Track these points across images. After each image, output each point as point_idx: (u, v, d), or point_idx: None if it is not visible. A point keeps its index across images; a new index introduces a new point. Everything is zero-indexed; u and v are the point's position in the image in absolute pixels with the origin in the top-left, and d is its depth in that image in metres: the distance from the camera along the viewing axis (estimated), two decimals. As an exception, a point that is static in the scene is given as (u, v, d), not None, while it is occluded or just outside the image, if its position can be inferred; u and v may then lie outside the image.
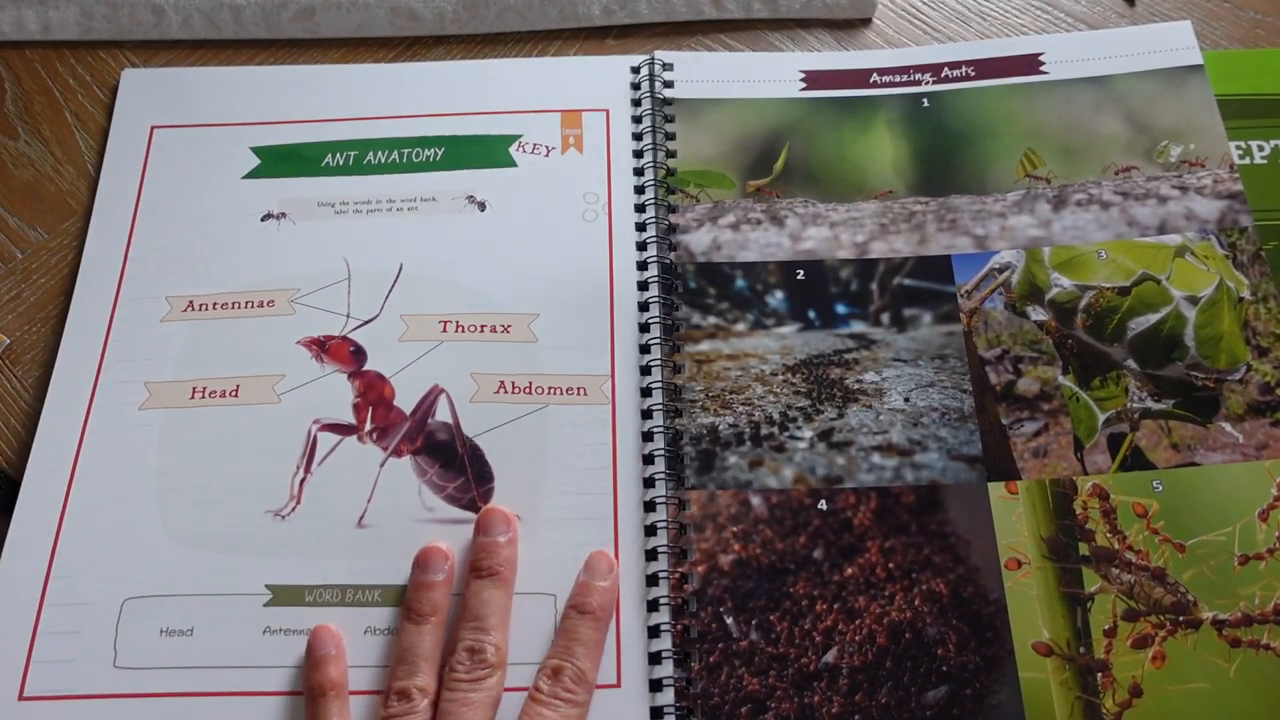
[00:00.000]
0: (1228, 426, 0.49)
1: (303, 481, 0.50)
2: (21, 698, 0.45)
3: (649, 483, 0.49)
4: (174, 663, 0.46)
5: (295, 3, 0.62)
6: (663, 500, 0.48)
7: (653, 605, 0.46)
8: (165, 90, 0.60)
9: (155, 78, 0.61)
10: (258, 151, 0.58)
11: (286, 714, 0.45)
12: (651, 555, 0.47)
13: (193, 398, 0.51)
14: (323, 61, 0.61)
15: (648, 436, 0.50)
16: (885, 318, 0.53)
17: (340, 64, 0.61)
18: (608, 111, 0.59)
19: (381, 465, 0.50)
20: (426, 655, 0.43)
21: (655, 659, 0.45)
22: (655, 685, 0.45)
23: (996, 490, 0.48)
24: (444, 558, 0.46)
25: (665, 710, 0.44)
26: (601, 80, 0.60)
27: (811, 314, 0.53)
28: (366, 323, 0.53)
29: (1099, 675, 0.45)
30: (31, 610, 0.47)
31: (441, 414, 0.51)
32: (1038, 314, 0.52)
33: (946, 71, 0.59)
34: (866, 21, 0.63)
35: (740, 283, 0.53)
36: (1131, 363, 0.51)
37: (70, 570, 0.48)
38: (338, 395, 0.52)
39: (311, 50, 0.62)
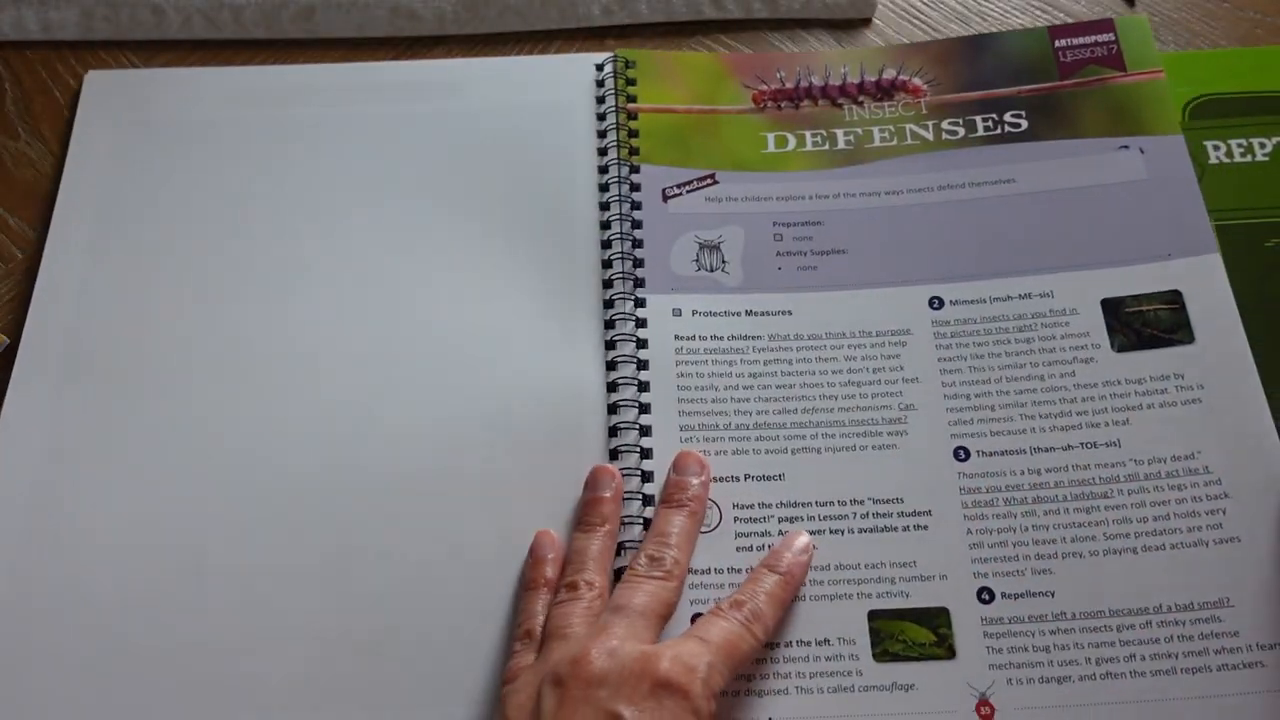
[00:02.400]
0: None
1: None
2: None
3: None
4: None
5: (295, 3, 0.62)
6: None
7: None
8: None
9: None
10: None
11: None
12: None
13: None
14: (322, 61, 0.61)
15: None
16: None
17: (340, 64, 0.61)
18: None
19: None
20: (594, 556, 0.46)
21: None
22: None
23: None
24: (611, 475, 0.48)
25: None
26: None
27: None
28: None
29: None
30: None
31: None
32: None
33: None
34: (866, 21, 0.63)
35: None
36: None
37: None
38: None
39: (311, 50, 0.62)
